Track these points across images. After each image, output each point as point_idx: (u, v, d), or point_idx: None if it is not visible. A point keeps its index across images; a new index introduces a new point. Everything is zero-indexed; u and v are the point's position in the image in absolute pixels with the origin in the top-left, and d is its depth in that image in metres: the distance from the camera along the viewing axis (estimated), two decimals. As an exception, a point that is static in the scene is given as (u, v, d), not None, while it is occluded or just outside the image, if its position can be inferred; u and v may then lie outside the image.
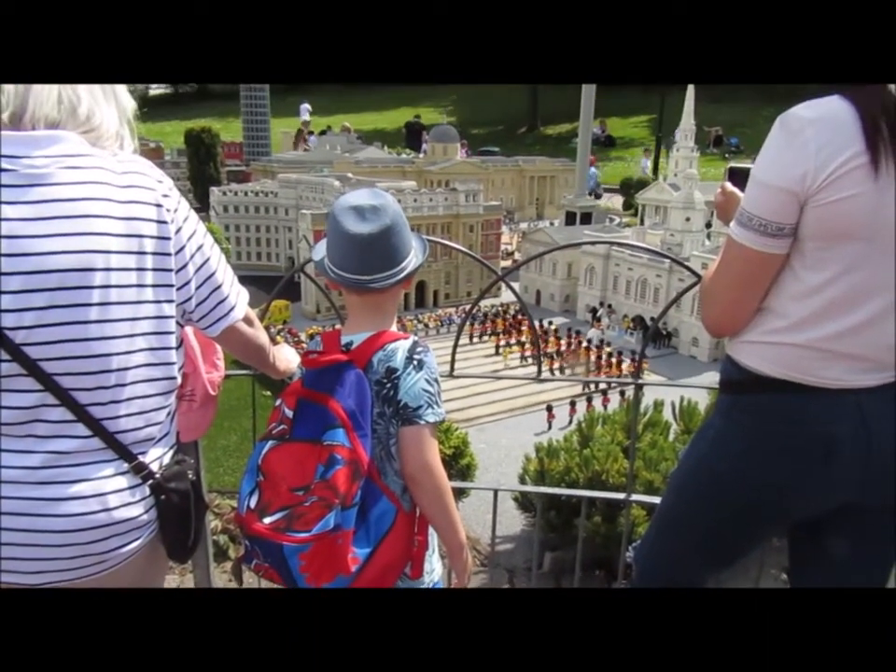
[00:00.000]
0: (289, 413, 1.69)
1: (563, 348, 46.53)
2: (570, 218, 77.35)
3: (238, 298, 1.69)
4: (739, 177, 1.77)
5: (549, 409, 38.01)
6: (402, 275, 1.79)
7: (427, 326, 58.11)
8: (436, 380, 1.77)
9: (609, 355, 45.91)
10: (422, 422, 1.71)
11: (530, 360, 46.64)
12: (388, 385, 1.72)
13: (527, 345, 47.85)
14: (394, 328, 1.85)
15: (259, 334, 1.82)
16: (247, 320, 1.74)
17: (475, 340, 49.26)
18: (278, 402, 1.74)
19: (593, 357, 45.48)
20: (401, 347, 1.75)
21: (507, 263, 73.90)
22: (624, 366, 43.91)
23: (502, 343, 49.00)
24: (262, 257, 78.78)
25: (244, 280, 1.82)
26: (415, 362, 1.74)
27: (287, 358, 2.10)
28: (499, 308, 61.51)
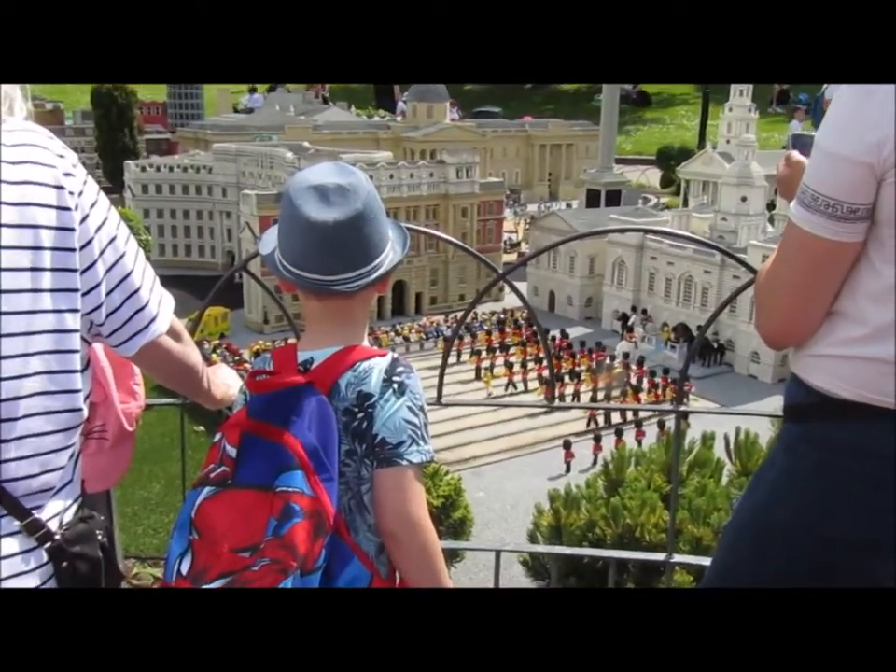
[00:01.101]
0: (231, 452, 1.70)
1: (583, 366, 46.66)
2: (593, 199, 77.79)
3: (161, 306, 1.70)
4: (808, 145, 1.73)
5: (566, 446, 38.01)
6: (376, 275, 1.80)
7: (406, 339, 57.96)
8: (422, 409, 1.78)
9: (654, 374, 46.05)
10: (404, 462, 1.72)
11: (520, 387, 46.49)
12: (360, 416, 1.74)
13: (517, 367, 47.75)
14: (366, 342, 1.86)
15: (189, 352, 1.82)
16: (173, 334, 1.75)
17: (464, 358, 49.49)
18: (216, 438, 1.74)
19: (628, 378, 45.77)
20: (377, 367, 1.76)
21: (511, 258, 74.13)
22: (663, 389, 44.34)
23: (484, 364, 48.77)
24: (193, 251, 78.58)
25: (168, 282, 1.83)
26: (395, 386, 1.75)
27: (225, 382, 2.11)
28: (501, 316, 61.76)
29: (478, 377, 47.75)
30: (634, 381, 45.74)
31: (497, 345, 51.30)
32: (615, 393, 44.69)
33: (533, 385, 46.37)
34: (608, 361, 48.13)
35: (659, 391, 44.12)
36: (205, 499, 1.67)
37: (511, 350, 50.61)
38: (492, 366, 48.94)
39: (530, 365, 47.80)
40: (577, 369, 45.99)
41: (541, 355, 48.06)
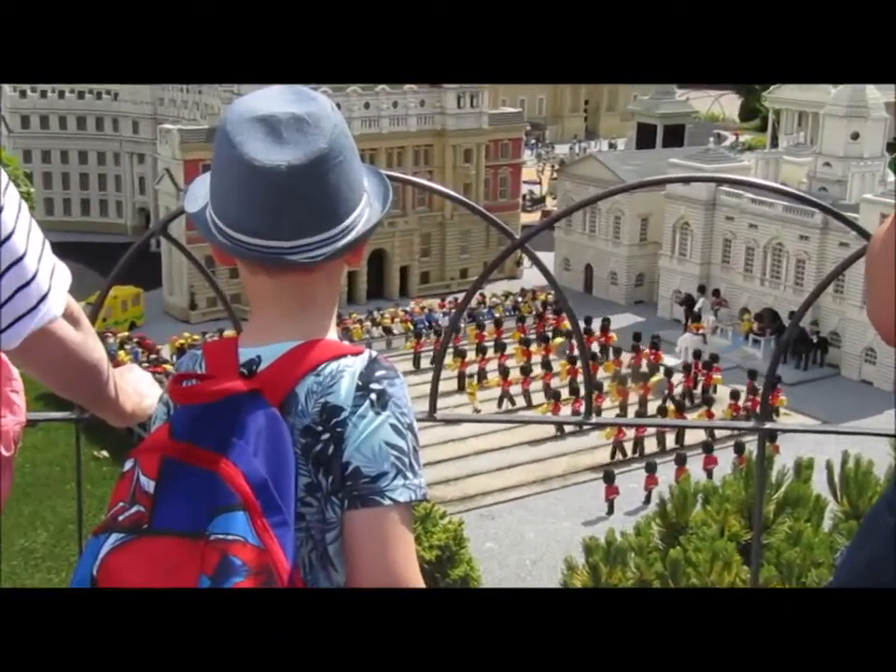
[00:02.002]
0: (148, 486, 1.71)
1: (608, 372, 46.85)
2: (646, 136, 77.83)
3: (53, 280, 1.71)
4: None
5: (608, 478, 38.05)
6: (347, 240, 1.81)
7: (388, 332, 57.96)
8: (410, 427, 1.79)
9: (747, 388, 45.89)
10: (385, 502, 1.73)
11: (520, 401, 46.81)
12: (326, 437, 1.75)
13: (513, 374, 47.93)
14: (333, 334, 1.88)
15: (91, 345, 1.84)
16: (70, 319, 1.77)
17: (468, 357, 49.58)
18: (127, 467, 1.75)
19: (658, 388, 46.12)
20: (349, 370, 1.78)
21: (533, 218, 74.10)
22: (743, 399, 44.24)
23: (469, 370, 48.83)
24: (92, 209, 78.34)
25: (59, 251, 1.83)
26: (373, 396, 1.76)
27: (138, 390, 2.12)
28: (518, 299, 61.41)
29: (461, 388, 47.93)
30: (679, 392, 45.95)
31: (491, 342, 51.65)
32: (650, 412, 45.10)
33: (538, 398, 46.68)
34: (644, 368, 48.54)
35: (738, 401, 44.03)
36: (112, 551, 1.68)
37: (509, 350, 50.95)
38: (480, 373, 49.14)
39: (536, 370, 48.24)
40: (599, 377, 46.21)
41: (552, 356, 48.63)
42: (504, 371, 48.28)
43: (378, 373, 1.77)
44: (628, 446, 41.52)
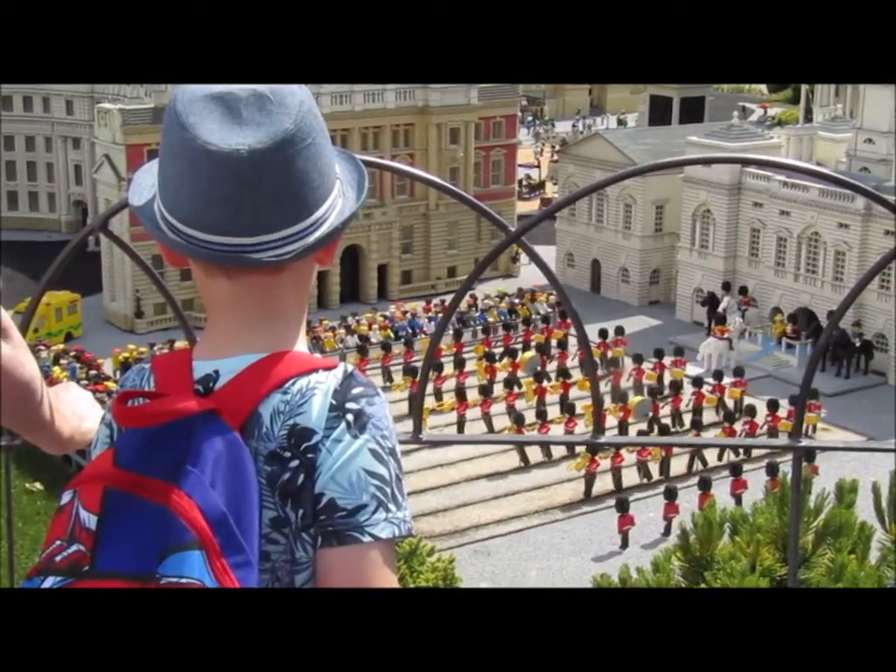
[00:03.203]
0: (89, 522, 1.71)
1: (584, 391, 46.42)
2: (660, 111, 77.97)
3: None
4: None
5: (621, 506, 38.07)
6: (318, 234, 1.82)
7: (365, 340, 57.88)
8: (392, 452, 1.80)
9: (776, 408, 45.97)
10: (366, 538, 1.74)
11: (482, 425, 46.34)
12: (294, 464, 1.76)
13: (472, 394, 47.51)
14: (302, 345, 1.89)
15: (22, 360, 1.85)
16: (-2, 333, 1.77)
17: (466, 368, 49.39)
18: (65, 499, 1.75)
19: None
20: (321, 387, 1.78)
21: (531, 207, 74.21)
22: (778, 411, 44.26)
23: (445, 386, 48.33)
24: (21, 202, 78.39)
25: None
26: (350, 417, 1.77)
27: (77, 412, 2.13)
28: (514, 300, 61.32)
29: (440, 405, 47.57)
30: (668, 413, 45.83)
31: (451, 357, 50.82)
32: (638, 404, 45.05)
33: (501, 421, 45.98)
34: (631, 380, 48.49)
35: (778, 417, 43.86)
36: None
37: (469, 367, 50.09)
38: (436, 392, 48.48)
39: (498, 389, 47.63)
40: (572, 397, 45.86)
41: (522, 373, 48.50)
42: (460, 394, 47.89)
43: (355, 391, 1.78)
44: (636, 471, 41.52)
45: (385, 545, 1.74)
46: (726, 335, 54.02)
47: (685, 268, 60.75)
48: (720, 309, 56.82)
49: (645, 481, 41.20)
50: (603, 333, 51.62)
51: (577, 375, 48.61)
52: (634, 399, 47.73)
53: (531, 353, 51.95)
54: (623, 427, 44.99)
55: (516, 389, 47.29)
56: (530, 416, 44.63)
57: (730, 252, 58.95)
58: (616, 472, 40.95)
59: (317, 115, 1.80)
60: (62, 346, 54.04)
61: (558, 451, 42.34)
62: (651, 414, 45.53)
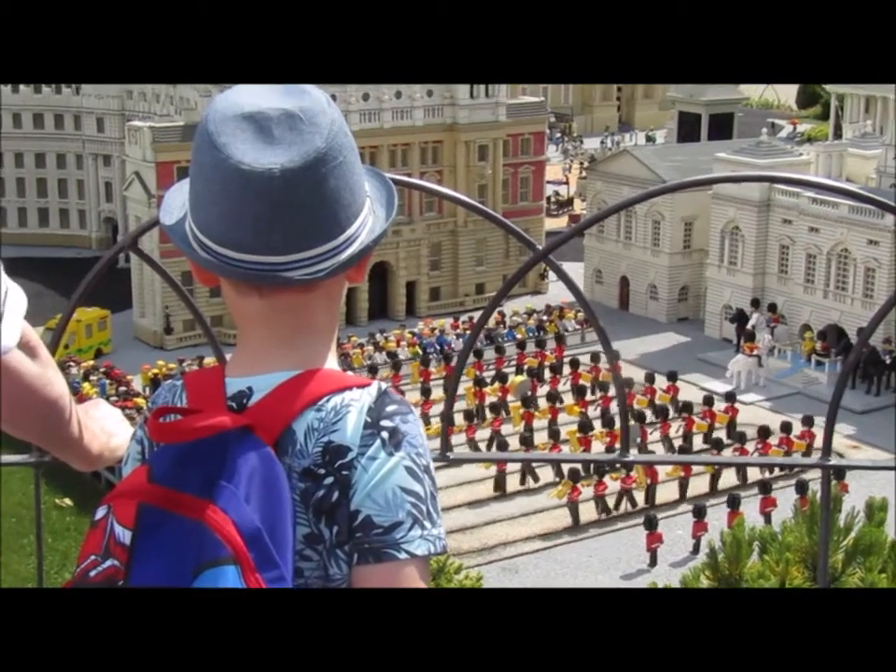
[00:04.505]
0: (124, 537, 1.71)
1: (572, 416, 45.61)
2: (689, 128, 77.81)
3: (5, 305, 1.73)
4: None
5: (650, 524, 37.92)
6: (349, 253, 1.82)
7: (393, 356, 57.78)
8: (427, 470, 1.80)
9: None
10: (402, 555, 1.74)
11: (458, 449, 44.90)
12: (329, 481, 1.75)
13: (477, 417, 47.26)
14: (333, 362, 1.88)
15: (51, 378, 1.85)
16: (26, 350, 1.79)
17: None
18: (99, 515, 1.76)
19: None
20: (355, 404, 1.78)
21: (559, 224, 74.15)
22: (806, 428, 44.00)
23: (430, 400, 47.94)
24: (51, 219, 78.60)
25: (15, 267, 1.85)
26: (385, 435, 1.77)
27: (106, 429, 2.13)
28: (543, 318, 61.23)
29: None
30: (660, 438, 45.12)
31: (511, 369, 51.08)
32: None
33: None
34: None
35: (767, 439, 43.34)
36: None
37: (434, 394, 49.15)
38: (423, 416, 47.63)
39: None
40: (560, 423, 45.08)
41: (511, 397, 47.77)
42: (473, 416, 47.84)
43: (389, 408, 1.78)
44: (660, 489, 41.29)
45: (420, 562, 1.75)
46: (755, 352, 53.82)
47: (714, 285, 60.55)
48: (749, 326, 56.62)
49: (629, 508, 40.71)
50: (595, 357, 51.21)
51: (568, 400, 48.52)
52: (515, 378, 48.37)
53: (522, 377, 51.28)
54: (609, 451, 43.93)
55: (503, 414, 46.93)
56: (514, 442, 43.99)
57: (759, 269, 58.73)
58: (600, 499, 40.30)
59: (347, 133, 1.80)
60: (91, 362, 54.17)
61: (543, 478, 41.93)
62: (639, 440, 44.15)
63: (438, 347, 56.58)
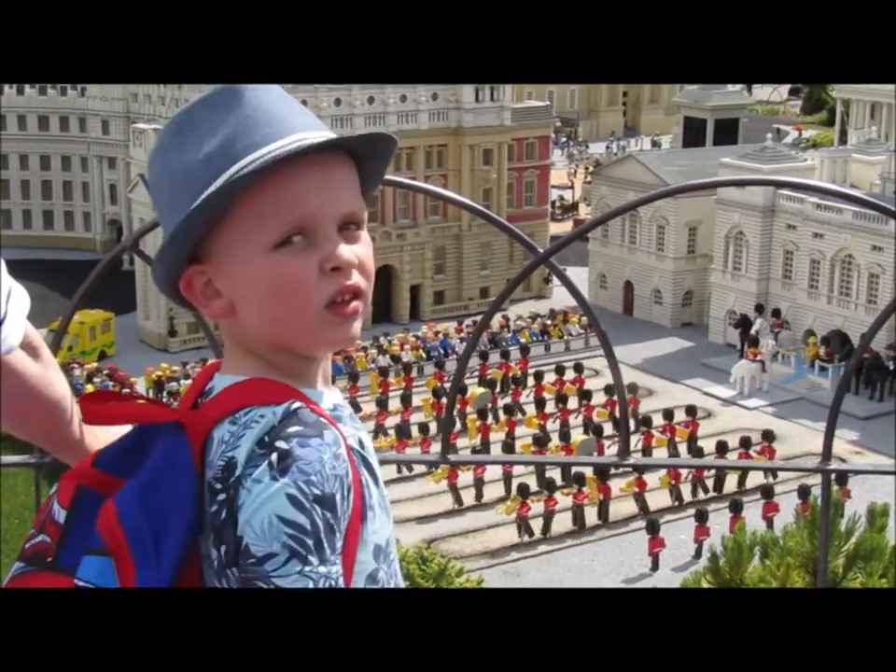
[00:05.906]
0: (59, 515, 1.72)
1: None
2: (694, 132, 77.79)
3: (10, 304, 1.73)
4: None
5: (652, 528, 37.83)
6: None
7: (396, 360, 57.59)
8: (320, 500, 1.61)
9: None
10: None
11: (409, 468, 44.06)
12: (221, 499, 1.65)
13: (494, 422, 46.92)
14: (308, 377, 1.79)
15: (53, 379, 1.87)
16: (29, 350, 1.80)
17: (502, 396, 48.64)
18: (52, 490, 1.77)
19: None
20: (262, 421, 1.66)
21: (564, 228, 74.04)
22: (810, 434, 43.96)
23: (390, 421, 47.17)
24: (56, 221, 78.60)
25: (19, 268, 1.85)
26: (274, 457, 1.61)
27: (108, 430, 2.13)
28: (547, 322, 61.14)
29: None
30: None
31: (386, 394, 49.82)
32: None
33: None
34: (580, 418, 46.95)
35: (749, 449, 42.96)
36: (11, 581, 1.70)
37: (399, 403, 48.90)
38: (378, 429, 47.40)
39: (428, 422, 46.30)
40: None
41: (469, 409, 46.96)
42: (399, 431, 47.19)
43: (291, 429, 1.63)
44: (653, 496, 41.26)
45: None
46: (759, 357, 53.74)
47: (718, 290, 60.50)
48: (752, 331, 56.55)
49: (576, 528, 40.17)
50: (560, 370, 51.09)
51: (530, 411, 48.20)
52: (476, 390, 48.38)
53: (482, 389, 50.63)
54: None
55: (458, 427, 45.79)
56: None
57: (763, 274, 58.68)
58: (548, 516, 39.54)
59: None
60: (95, 365, 54.13)
61: (494, 493, 41.43)
62: (595, 454, 43.10)
63: (441, 351, 56.56)
